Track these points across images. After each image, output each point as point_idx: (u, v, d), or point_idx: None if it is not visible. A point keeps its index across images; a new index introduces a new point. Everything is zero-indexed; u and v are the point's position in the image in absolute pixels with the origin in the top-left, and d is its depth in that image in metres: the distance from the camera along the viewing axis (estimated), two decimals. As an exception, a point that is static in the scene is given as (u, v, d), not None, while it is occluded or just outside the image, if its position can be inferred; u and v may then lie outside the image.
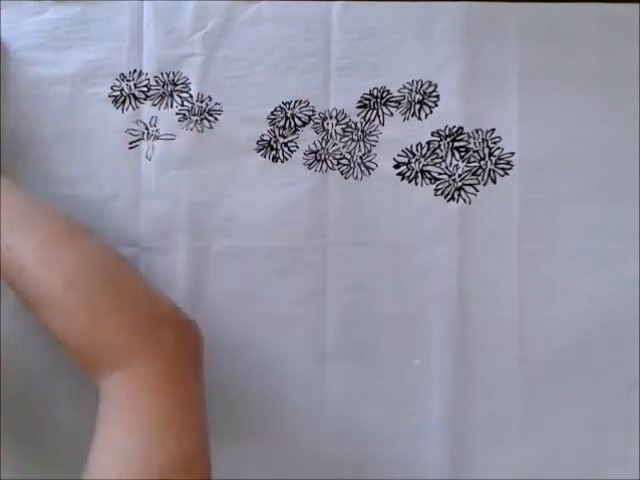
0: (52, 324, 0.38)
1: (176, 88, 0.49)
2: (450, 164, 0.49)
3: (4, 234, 0.38)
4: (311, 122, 0.49)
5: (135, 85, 0.49)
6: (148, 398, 0.36)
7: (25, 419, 0.48)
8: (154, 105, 0.49)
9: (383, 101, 0.49)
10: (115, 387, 0.37)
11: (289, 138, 0.49)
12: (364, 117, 0.49)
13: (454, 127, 0.48)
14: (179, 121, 0.49)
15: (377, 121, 0.49)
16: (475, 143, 0.48)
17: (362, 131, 0.49)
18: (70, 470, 0.47)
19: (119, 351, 0.37)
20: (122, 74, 0.49)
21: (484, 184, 0.48)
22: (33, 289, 0.38)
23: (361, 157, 0.49)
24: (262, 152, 0.49)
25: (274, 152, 0.49)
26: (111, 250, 0.42)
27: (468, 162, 0.48)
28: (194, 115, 0.49)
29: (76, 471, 0.48)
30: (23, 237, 0.39)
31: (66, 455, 0.48)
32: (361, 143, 0.49)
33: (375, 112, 0.49)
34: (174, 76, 0.49)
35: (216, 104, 0.48)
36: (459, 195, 0.48)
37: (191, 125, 0.49)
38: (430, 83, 0.48)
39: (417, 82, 0.48)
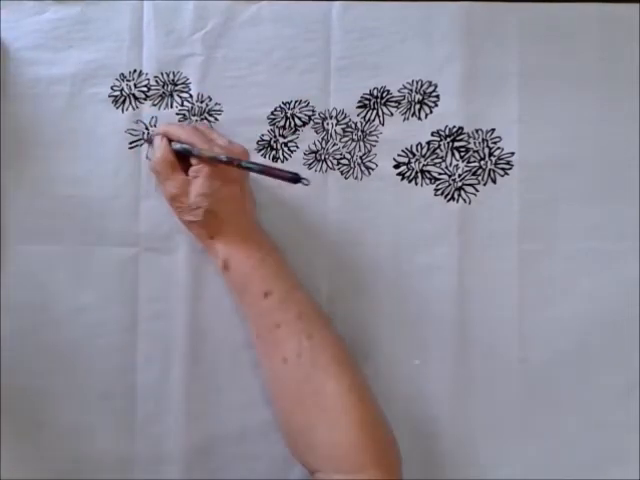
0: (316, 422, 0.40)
1: (176, 88, 0.49)
2: (450, 164, 0.48)
3: (262, 282, 0.42)
4: (311, 122, 0.49)
5: (135, 85, 0.49)
6: None
7: (25, 419, 0.48)
8: (154, 105, 0.49)
9: (383, 101, 0.49)
10: None
11: (289, 138, 0.49)
12: (364, 117, 0.49)
13: (454, 127, 0.48)
14: (179, 121, 0.49)
15: (377, 121, 0.49)
16: (475, 143, 0.48)
17: (362, 131, 0.49)
18: (70, 470, 0.47)
19: (361, 461, 0.39)
20: (122, 74, 0.49)
21: (484, 184, 0.48)
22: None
23: (361, 157, 0.49)
24: (262, 152, 0.49)
25: (274, 152, 0.49)
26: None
27: (468, 162, 0.48)
28: (194, 115, 0.49)
29: (76, 471, 0.48)
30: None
31: (66, 455, 0.48)
32: (361, 143, 0.49)
33: (375, 112, 0.49)
34: (174, 76, 0.49)
35: (216, 104, 0.48)
36: (459, 195, 0.48)
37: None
38: (430, 83, 0.48)
39: (417, 82, 0.48)
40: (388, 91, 0.49)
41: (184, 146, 0.43)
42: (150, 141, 0.46)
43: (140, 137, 0.49)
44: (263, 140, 0.49)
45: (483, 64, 0.48)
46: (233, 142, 0.44)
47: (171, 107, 0.49)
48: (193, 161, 0.43)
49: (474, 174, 0.48)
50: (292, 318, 0.42)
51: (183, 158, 0.43)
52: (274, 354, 0.42)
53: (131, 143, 0.49)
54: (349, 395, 0.40)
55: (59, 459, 0.48)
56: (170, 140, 0.44)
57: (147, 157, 0.48)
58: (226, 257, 0.43)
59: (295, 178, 0.39)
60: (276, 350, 0.41)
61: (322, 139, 0.49)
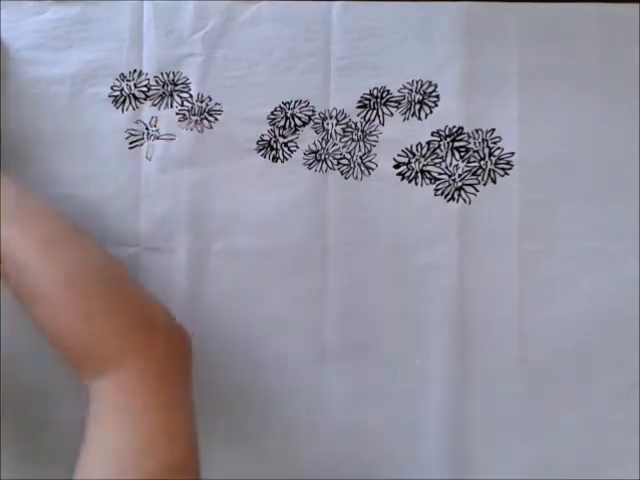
0: (45, 320, 0.38)
1: (176, 88, 0.49)
2: (450, 164, 0.48)
3: (5, 225, 0.38)
4: (311, 122, 0.49)
5: (135, 85, 0.49)
6: (138, 402, 0.36)
7: (25, 419, 0.48)
8: (154, 105, 0.49)
9: (383, 101, 0.49)
10: (105, 389, 0.36)
11: (289, 138, 0.49)
12: (364, 117, 0.49)
13: (454, 127, 0.48)
14: (179, 121, 0.49)
15: (377, 121, 0.49)
16: (475, 143, 0.48)
17: (362, 131, 0.49)
18: (69, 470, 0.47)
19: (111, 352, 0.37)
20: (122, 74, 0.49)
21: (484, 184, 0.48)
22: (30, 283, 0.38)
23: (361, 157, 0.49)
24: (262, 152, 0.49)
25: (274, 152, 0.49)
26: (109, 253, 0.42)
27: (468, 162, 0.48)
28: (194, 115, 0.49)
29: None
30: (25, 231, 0.39)
31: (66, 455, 0.48)
32: (361, 143, 0.49)
33: (375, 112, 0.49)
34: (174, 76, 0.49)
35: (216, 104, 0.48)
36: (459, 195, 0.48)
37: (191, 125, 0.49)
38: (430, 83, 0.48)
39: (417, 82, 0.48)
40: (388, 91, 0.49)
41: None
42: None
43: (140, 137, 0.49)
44: (263, 140, 0.49)
45: (483, 64, 0.48)
46: None
47: (171, 107, 0.49)
48: None
49: (474, 174, 0.48)
50: None
51: None
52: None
53: (131, 143, 0.49)
54: (55, 273, 0.37)
55: (59, 459, 0.48)
56: None
57: (147, 157, 0.48)
58: None
59: None
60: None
61: (322, 139, 0.49)
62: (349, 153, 0.49)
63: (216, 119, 0.48)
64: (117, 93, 0.49)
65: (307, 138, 0.49)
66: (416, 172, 0.48)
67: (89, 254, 0.40)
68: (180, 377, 0.39)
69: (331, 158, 0.49)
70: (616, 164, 0.48)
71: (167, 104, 0.49)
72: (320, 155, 0.49)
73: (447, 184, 0.48)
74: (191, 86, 0.49)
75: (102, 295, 0.38)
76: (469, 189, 0.48)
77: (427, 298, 0.48)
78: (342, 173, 0.49)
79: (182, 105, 0.49)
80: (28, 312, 0.38)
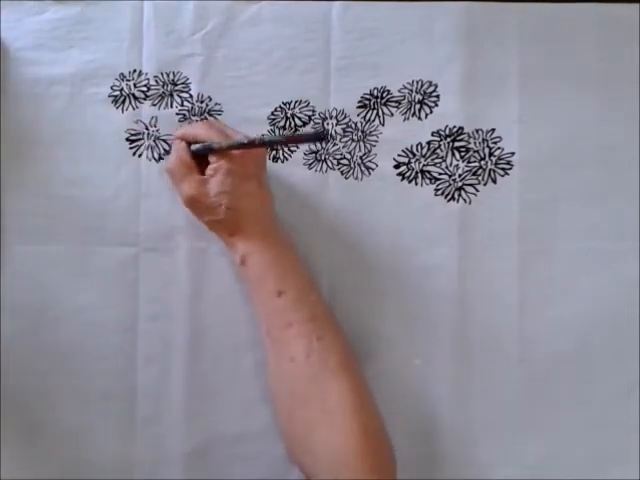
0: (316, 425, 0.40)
1: (176, 88, 0.49)
2: (450, 164, 0.48)
3: (277, 281, 0.42)
4: (311, 122, 0.49)
5: (135, 85, 0.49)
6: None
7: (25, 419, 0.48)
8: (154, 105, 0.49)
9: (383, 101, 0.49)
10: None
11: (289, 138, 0.49)
12: (364, 117, 0.49)
13: (454, 127, 0.48)
14: (179, 121, 0.49)
15: (377, 121, 0.49)
16: (475, 143, 0.48)
17: (362, 131, 0.49)
18: (70, 470, 0.47)
19: (352, 463, 0.38)
20: (122, 74, 0.49)
21: (484, 184, 0.48)
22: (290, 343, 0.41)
23: (361, 157, 0.49)
24: (262, 152, 0.48)
25: (274, 152, 0.49)
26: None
27: (468, 162, 0.48)
28: (194, 115, 0.49)
29: (76, 471, 0.48)
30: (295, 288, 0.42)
31: (66, 455, 0.48)
32: (361, 143, 0.49)
33: (375, 112, 0.49)
34: (174, 76, 0.49)
35: (216, 104, 0.48)
36: (459, 195, 0.48)
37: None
38: (430, 83, 0.48)
39: (417, 82, 0.48)
40: (388, 91, 0.49)
41: (203, 144, 0.43)
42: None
43: (140, 137, 0.49)
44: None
45: (483, 64, 0.48)
46: (248, 136, 0.43)
47: (171, 107, 0.49)
48: (212, 159, 0.42)
49: (474, 174, 0.48)
50: (304, 319, 0.41)
51: (199, 162, 0.43)
52: (283, 353, 0.41)
53: (131, 143, 0.49)
54: (354, 400, 0.40)
55: (59, 459, 0.48)
56: (188, 143, 0.44)
57: (147, 157, 0.48)
58: (244, 253, 0.43)
59: (320, 136, 0.38)
60: (285, 349, 0.41)
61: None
62: (349, 153, 0.49)
63: (216, 119, 0.48)
64: (117, 93, 0.49)
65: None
66: (416, 172, 0.48)
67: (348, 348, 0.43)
68: None
69: (331, 158, 0.49)
70: (616, 164, 0.48)
71: (167, 104, 0.49)
72: (320, 155, 0.49)
73: (447, 184, 0.48)
74: (191, 86, 0.49)
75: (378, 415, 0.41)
76: (469, 189, 0.48)
77: (427, 298, 0.48)
78: (342, 173, 0.49)
79: (182, 105, 0.49)
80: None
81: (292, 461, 0.42)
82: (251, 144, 0.41)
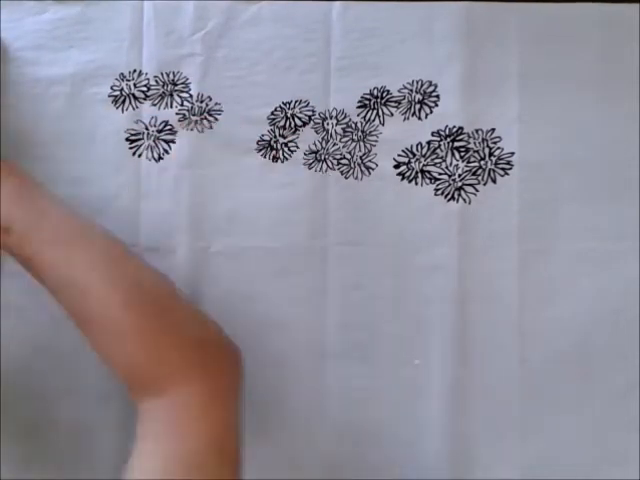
0: (102, 340, 0.38)
1: (176, 88, 0.49)
2: (450, 164, 0.49)
3: (58, 247, 0.38)
4: (311, 122, 0.49)
5: (135, 85, 0.49)
6: (190, 420, 0.36)
7: (25, 419, 0.48)
8: (154, 105, 0.49)
9: (383, 101, 0.49)
10: (157, 408, 0.36)
11: (289, 138, 0.49)
12: (364, 117, 0.49)
13: (454, 127, 0.48)
14: (179, 121, 0.49)
15: (377, 121, 0.49)
16: (475, 143, 0.48)
17: (362, 131, 0.49)
18: (70, 470, 0.47)
19: (166, 372, 0.37)
20: (122, 74, 0.49)
21: (484, 184, 0.48)
22: (85, 304, 0.37)
23: (361, 157, 0.49)
24: (262, 152, 0.48)
25: (274, 152, 0.49)
26: (157, 270, 0.41)
27: (468, 162, 0.48)
28: (194, 115, 0.49)
29: (76, 471, 0.48)
30: (79, 252, 0.38)
31: (66, 455, 0.48)
32: (361, 143, 0.49)
33: (375, 112, 0.49)
34: (174, 76, 0.49)
35: (216, 104, 0.48)
36: (459, 195, 0.48)
37: (191, 125, 0.49)
38: (430, 83, 0.48)
39: (417, 82, 0.48)
40: (388, 91, 0.49)
41: None
42: None
43: (140, 137, 0.49)
44: (263, 140, 0.49)
45: (483, 64, 0.48)
46: None
47: (171, 107, 0.49)
48: None
49: (474, 174, 0.48)
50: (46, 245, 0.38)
51: None
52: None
53: (131, 143, 0.49)
54: (115, 295, 0.37)
55: (59, 459, 0.48)
56: None
57: (147, 157, 0.48)
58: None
59: None
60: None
61: (322, 139, 0.49)
62: (349, 153, 0.49)
63: (216, 119, 0.48)
64: (117, 93, 0.49)
65: (307, 138, 0.49)
66: (416, 172, 0.48)
67: (142, 273, 0.40)
68: (231, 395, 0.38)
69: (331, 158, 0.49)
70: (616, 164, 0.48)
71: (167, 104, 0.49)
72: (320, 155, 0.49)
73: (447, 184, 0.48)
74: (191, 86, 0.49)
75: (158, 315, 0.38)
76: (469, 189, 0.48)
77: (427, 298, 0.48)
78: (342, 173, 0.49)
79: (182, 105, 0.49)
80: (83, 331, 0.38)
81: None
82: None
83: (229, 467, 0.36)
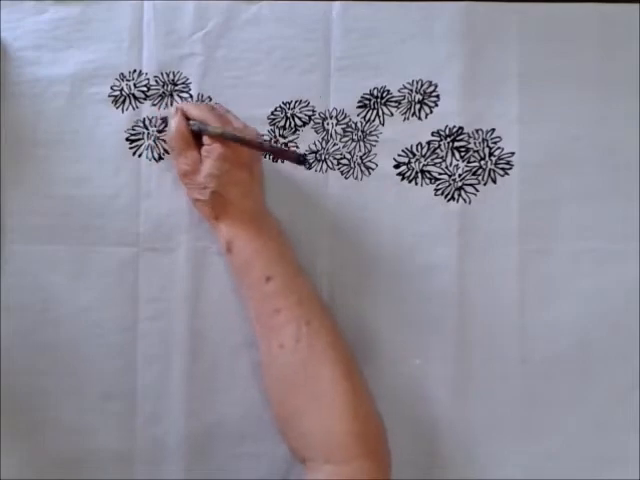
0: (310, 404, 0.40)
1: (176, 88, 0.49)
2: (450, 164, 0.48)
3: (266, 266, 0.42)
4: (311, 122, 0.49)
5: (135, 85, 0.49)
6: None
7: (25, 419, 0.48)
8: (154, 105, 0.49)
9: (383, 101, 0.49)
10: (328, 475, 0.38)
11: (289, 138, 0.49)
12: (364, 117, 0.49)
13: (454, 127, 0.48)
14: (179, 121, 0.49)
15: (377, 121, 0.49)
16: (475, 143, 0.48)
17: (362, 131, 0.49)
18: (70, 470, 0.47)
19: (361, 442, 0.39)
20: (122, 74, 0.49)
21: (484, 184, 0.48)
22: (307, 370, 0.40)
23: (361, 157, 0.49)
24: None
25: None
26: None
27: (468, 162, 0.48)
28: (194, 115, 0.49)
29: (76, 471, 0.48)
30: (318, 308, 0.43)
31: (66, 455, 0.48)
32: (361, 143, 0.49)
33: (375, 112, 0.49)
34: (174, 76, 0.49)
35: (216, 104, 0.48)
36: (459, 195, 0.48)
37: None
38: (430, 83, 0.48)
39: (417, 82, 0.48)
40: (388, 91, 0.49)
41: (198, 124, 0.43)
42: (165, 120, 0.47)
43: (140, 137, 0.49)
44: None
45: (483, 64, 0.48)
46: (248, 125, 0.44)
47: (171, 107, 0.49)
48: (206, 140, 0.43)
49: (474, 174, 0.48)
50: (292, 304, 0.42)
51: (200, 138, 0.44)
52: (272, 339, 0.42)
53: (131, 143, 0.49)
54: (343, 382, 0.40)
55: (59, 459, 0.48)
56: (188, 119, 0.44)
57: (147, 157, 0.48)
58: (229, 239, 0.43)
59: (301, 159, 0.39)
60: (274, 335, 0.41)
61: (322, 139, 0.49)
62: (349, 153, 0.49)
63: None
64: (117, 93, 0.49)
65: (307, 138, 0.49)
66: (416, 172, 0.48)
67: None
68: (390, 473, 0.41)
69: (331, 158, 0.49)
70: (616, 164, 0.48)
71: (167, 104, 0.49)
72: (320, 155, 0.49)
73: (447, 184, 0.48)
74: (191, 86, 0.49)
75: (363, 384, 0.41)
76: (469, 189, 0.48)
77: (427, 298, 0.48)
78: (342, 173, 0.49)
79: (182, 105, 0.49)
80: (286, 388, 0.41)
81: (286, 445, 0.42)
82: (237, 140, 0.42)
83: None
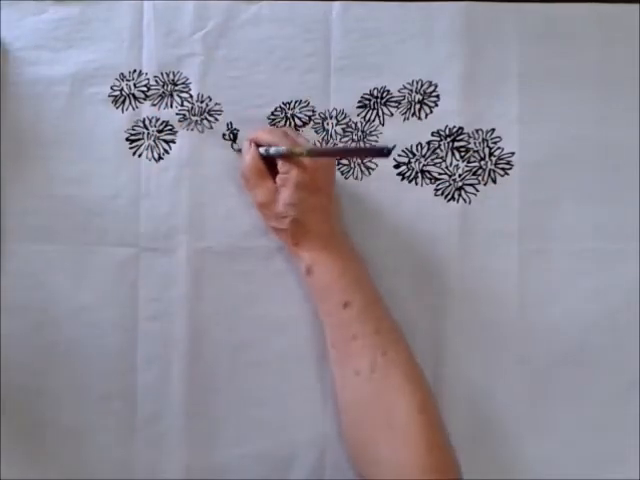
0: (390, 439, 0.39)
1: (176, 88, 0.49)
2: (450, 164, 0.49)
3: (344, 291, 0.42)
4: (311, 122, 0.49)
5: (135, 85, 0.49)
6: None
7: (25, 419, 0.48)
8: (154, 105, 0.49)
9: (383, 101, 0.49)
10: None
11: (289, 138, 0.49)
12: (364, 117, 0.49)
13: (454, 127, 0.48)
14: (179, 121, 0.49)
15: (377, 121, 0.49)
16: (475, 143, 0.48)
17: (362, 131, 0.49)
18: (70, 470, 0.47)
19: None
20: (122, 74, 0.49)
21: (484, 184, 0.48)
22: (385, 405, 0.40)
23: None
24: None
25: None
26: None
27: (468, 162, 0.48)
28: (194, 115, 0.49)
29: (76, 471, 0.48)
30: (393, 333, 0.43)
31: (66, 455, 0.48)
32: (361, 143, 0.49)
33: (375, 112, 0.49)
34: (174, 76, 0.49)
35: (216, 104, 0.48)
36: (459, 195, 0.48)
37: (191, 125, 0.49)
38: (430, 83, 0.48)
39: (417, 82, 0.48)
40: (388, 91, 0.49)
41: (274, 148, 0.43)
42: (240, 150, 0.47)
43: (140, 137, 0.49)
44: (263, 140, 0.48)
45: (483, 64, 0.48)
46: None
47: (171, 107, 0.49)
48: (281, 168, 0.43)
49: (474, 174, 0.48)
50: (369, 332, 0.42)
51: (271, 165, 0.44)
52: (347, 365, 0.42)
53: (131, 143, 0.49)
54: (419, 416, 0.39)
55: (59, 459, 0.48)
56: (258, 146, 0.44)
57: (147, 157, 0.48)
58: (310, 263, 0.44)
59: (385, 152, 0.37)
60: (350, 361, 0.42)
61: (322, 139, 0.49)
62: (349, 153, 0.49)
63: (216, 119, 0.48)
64: (117, 93, 0.49)
65: (307, 138, 0.48)
66: (416, 172, 0.48)
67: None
68: None
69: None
70: (616, 164, 0.48)
71: (167, 104, 0.49)
72: (320, 155, 0.49)
73: (447, 184, 0.48)
74: (191, 86, 0.49)
75: (438, 416, 0.41)
76: (469, 189, 0.48)
77: (427, 298, 0.48)
78: (342, 173, 0.49)
79: (182, 105, 0.49)
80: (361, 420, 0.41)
81: (356, 470, 0.42)
82: (328, 152, 0.42)
83: None
